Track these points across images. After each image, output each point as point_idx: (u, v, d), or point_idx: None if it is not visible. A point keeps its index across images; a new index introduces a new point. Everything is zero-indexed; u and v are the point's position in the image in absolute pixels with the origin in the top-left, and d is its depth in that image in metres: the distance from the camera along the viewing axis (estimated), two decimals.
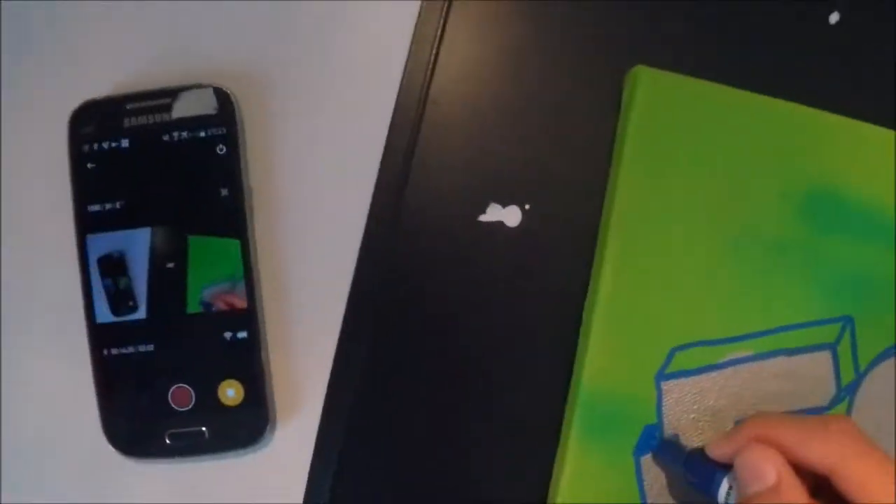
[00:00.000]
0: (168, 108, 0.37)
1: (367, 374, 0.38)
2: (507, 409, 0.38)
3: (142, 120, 0.37)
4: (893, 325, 0.37)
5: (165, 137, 0.37)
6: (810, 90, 0.39)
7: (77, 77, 0.39)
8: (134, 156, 0.37)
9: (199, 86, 0.38)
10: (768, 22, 0.40)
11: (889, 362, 0.38)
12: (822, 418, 0.32)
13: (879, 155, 0.38)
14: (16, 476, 0.38)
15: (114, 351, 0.37)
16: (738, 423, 0.36)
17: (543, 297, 0.38)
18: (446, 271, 0.38)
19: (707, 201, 0.38)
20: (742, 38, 0.40)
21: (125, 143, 0.37)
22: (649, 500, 0.36)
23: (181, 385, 0.37)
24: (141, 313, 0.37)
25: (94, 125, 0.37)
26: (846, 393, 0.37)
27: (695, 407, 0.37)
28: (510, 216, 0.39)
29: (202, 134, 0.37)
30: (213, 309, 0.37)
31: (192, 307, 0.37)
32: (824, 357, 0.37)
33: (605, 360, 0.36)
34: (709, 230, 0.37)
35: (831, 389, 0.37)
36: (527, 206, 0.39)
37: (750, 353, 0.37)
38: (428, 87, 0.39)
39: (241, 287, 0.37)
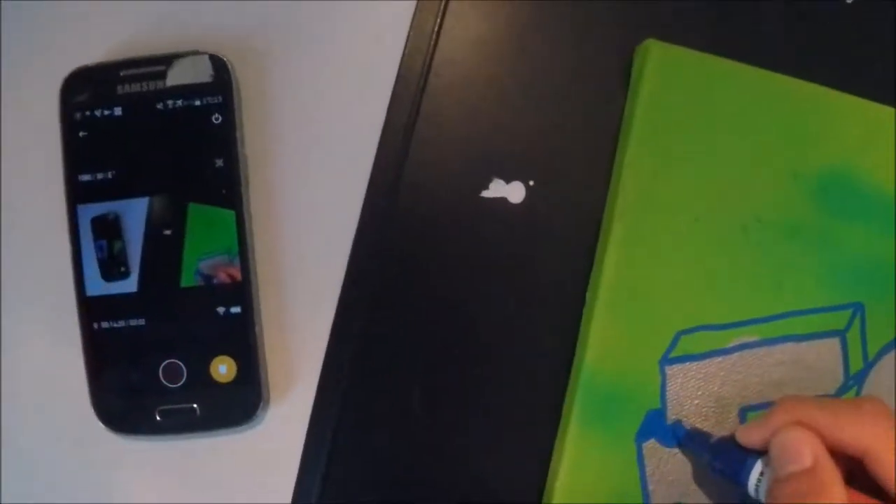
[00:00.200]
0: (163, 75, 0.37)
1: (362, 352, 0.37)
2: (506, 389, 0.37)
3: (136, 87, 0.37)
4: None
5: (160, 105, 0.37)
6: (825, 69, 0.38)
7: (69, 42, 0.39)
8: (127, 124, 0.37)
9: (195, 53, 0.37)
10: None
11: None
12: (854, 401, 0.32)
13: (894, 137, 0.38)
14: (3, 454, 0.37)
15: (104, 325, 0.37)
16: (744, 409, 0.36)
17: (546, 276, 0.38)
18: (447, 247, 0.38)
19: (717, 180, 0.37)
20: (756, 12, 0.39)
21: (118, 111, 0.37)
22: (650, 487, 0.36)
23: (173, 360, 0.37)
24: (132, 285, 0.37)
25: (87, 92, 0.37)
26: (854, 382, 0.37)
27: (699, 392, 0.37)
28: (514, 192, 0.38)
29: (197, 102, 0.37)
30: (208, 282, 0.37)
31: (187, 280, 0.37)
32: (833, 344, 0.37)
33: (608, 342, 0.36)
34: (718, 210, 0.37)
35: (839, 378, 0.37)
36: (531, 182, 0.38)
37: (757, 338, 0.37)
38: (431, 58, 0.39)
39: (236, 260, 0.37)
